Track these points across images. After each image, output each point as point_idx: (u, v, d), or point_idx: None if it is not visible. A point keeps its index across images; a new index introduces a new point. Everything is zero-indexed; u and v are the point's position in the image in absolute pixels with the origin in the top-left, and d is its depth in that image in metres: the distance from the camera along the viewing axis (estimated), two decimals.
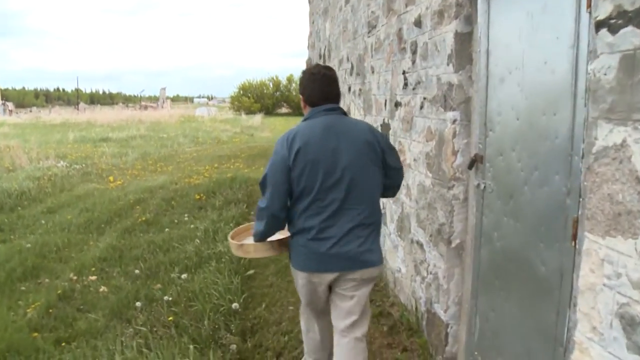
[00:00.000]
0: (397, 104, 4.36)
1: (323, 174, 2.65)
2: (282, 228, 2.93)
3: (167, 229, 6.81)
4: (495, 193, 2.85)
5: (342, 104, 6.96)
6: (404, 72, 4.15)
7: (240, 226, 3.52)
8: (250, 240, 3.03)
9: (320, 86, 2.85)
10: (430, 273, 3.64)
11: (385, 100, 4.74)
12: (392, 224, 4.66)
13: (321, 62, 9.28)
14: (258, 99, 54.87)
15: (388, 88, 4.64)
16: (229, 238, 3.24)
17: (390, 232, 4.72)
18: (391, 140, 4.54)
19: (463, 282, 3.35)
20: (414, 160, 3.95)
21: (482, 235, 3.03)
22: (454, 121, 3.21)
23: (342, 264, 2.72)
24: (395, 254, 4.57)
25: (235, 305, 4.23)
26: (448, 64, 3.24)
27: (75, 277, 5.24)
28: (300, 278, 2.85)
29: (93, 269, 5.48)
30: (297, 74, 57.52)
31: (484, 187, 2.95)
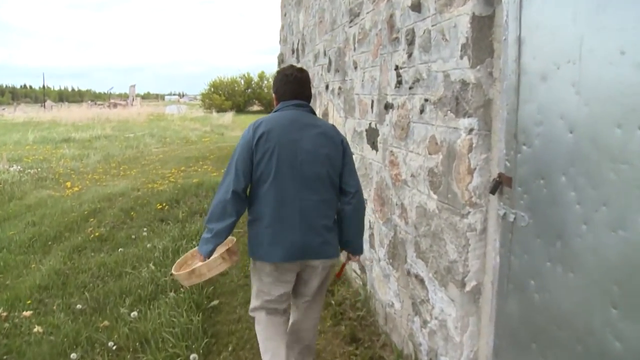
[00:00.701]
0: (388, 106, 3.62)
1: (281, 162, 2.78)
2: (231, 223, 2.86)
3: (121, 248, 5.96)
4: (532, 228, 2.12)
5: (319, 104, 6.23)
6: (397, 68, 3.42)
7: (180, 259, 3.29)
8: (198, 263, 2.93)
9: (292, 87, 3.00)
10: (436, 318, 2.91)
11: (372, 101, 4.00)
12: (381, 248, 3.92)
13: (294, 58, 8.52)
14: (229, 97, 54.04)
15: (376, 86, 3.91)
16: (174, 272, 3.04)
17: (379, 257, 3.98)
18: (381, 149, 3.81)
19: (480, 336, 2.63)
20: (412, 176, 3.21)
21: (509, 281, 2.31)
22: (470, 130, 2.48)
23: (297, 254, 2.85)
24: (386, 284, 3.84)
25: (194, 356, 3.45)
26: (462, 57, 2.51)
27: (4, 314, 4.38)
28: (262, 268, 2.94)
29: (29, 301, 4.63)
30: (269, 71, 56.97)
31: (514, 218, 2.23)
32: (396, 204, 3.53)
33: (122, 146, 18.10)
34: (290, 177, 2.79)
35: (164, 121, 33.95)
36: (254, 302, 3.09)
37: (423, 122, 2.99)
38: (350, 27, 4.61)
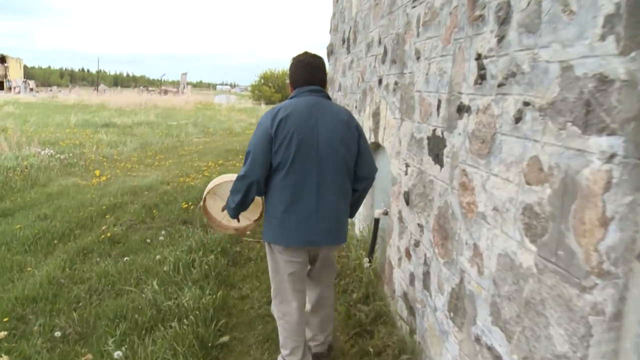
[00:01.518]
0: (462, 109, 2.68)
1: (299, 148, 2.82)
2: (252, 201, 3.03)
3: (130, 255, 5.19)
4: None
5: (369, 101, 5.32)
6: (479, 57, 2.47)
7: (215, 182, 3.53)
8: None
9: (306, 73, 3.04)
10: None
11: (439, 101, 3.06)
12: (439, 295, 2.99)
13: (344, 48, 7.62)
14: (279, 89, 53.62)
15: (445, 82, 2.97)
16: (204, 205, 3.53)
17: (436, 306, 3.05)
18: (447, 165, 2.88)
19: None
20: (494, 209, 2.26)
21: None
22: (610, 157, 1.53)
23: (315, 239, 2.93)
24: (442, 343, 2.91)
25: None
26: (603, 37, 1.56)
27: None
28: (281, 252, 2.99)
29: (6, 319, 3.88)
30: None
31: None
32: (466, 243, 2.59)
33: (162, 134, 17.57)
34: (308, 163, 2.84)
35: (210, 110, 33.58)
36: (274, 287, 3.16)
37: (519, 136, 2.05)
38: (414, 7, 3.67)
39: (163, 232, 6.02)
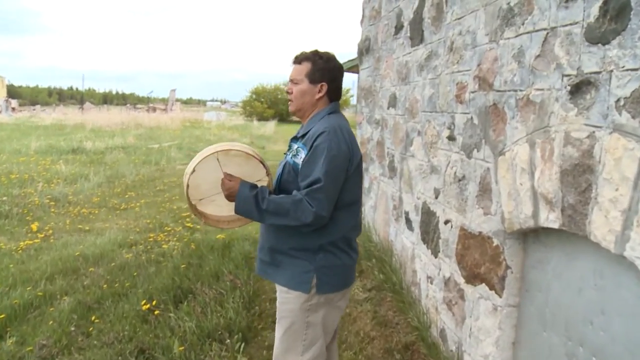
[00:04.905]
0: None
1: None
2: None
3: None
4: None
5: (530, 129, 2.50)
6: None
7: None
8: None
9: (341, 82, 2.56)
10: None
11: None
12: None
13: (400, 38, 4.75)
14: (272, 105, 50.83)
15: None
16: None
17: None
18: None
19: None
20: None
21: None
22: None
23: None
24: None
25: None
26: None
27: None
28: (339, 300, 2.48)
29: None
30: None
31: None
32: None
33: (139, 161, 14.51)
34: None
35: (199, 129, 30.51)
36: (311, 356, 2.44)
37: None
38: None
39: None
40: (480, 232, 2.97)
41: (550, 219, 2.21)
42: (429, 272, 3.92)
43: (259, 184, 2.43)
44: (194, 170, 2.36)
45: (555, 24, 2.20)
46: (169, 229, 7.34)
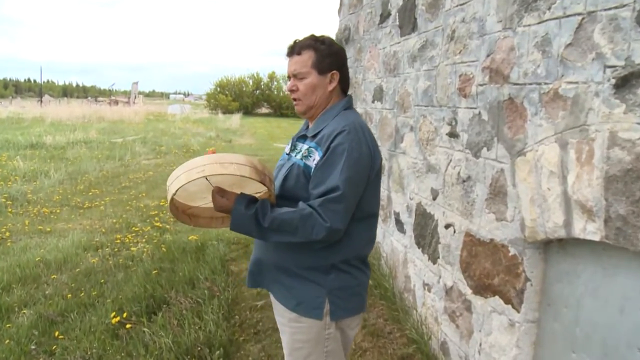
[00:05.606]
0: None
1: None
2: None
3: None
4: None
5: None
6: None
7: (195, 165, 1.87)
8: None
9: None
10: None
11: None
12: None
13: (386, 28, 4.45)
14: (236, 97, 50.23)
15: None
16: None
17: None
18: None
19: None
20: None
21: None
22: None
23: None
24: None
25: None
26: None
27: None
28: (355, 326, 2.18)
29: None
30: (280, 72, 53.20)
31: None
32: None
33: (102, 157, 13.92)
34: None
35: (163, 122, 29.76)
36: None
37: None
38: None
39: None
40: (492, 240, 2.70)
41: (589, 230, 1.95)
42: (425, 279, 3.64)
43: (259, 195, 2.06)
44: (176, 192, 1.93)
45: (594, 7, 1.93)
46: (137, 229, 6.93)
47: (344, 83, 2.15)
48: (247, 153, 17.46)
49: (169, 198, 1.99)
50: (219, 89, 51.88)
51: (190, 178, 1.87)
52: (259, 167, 1.92)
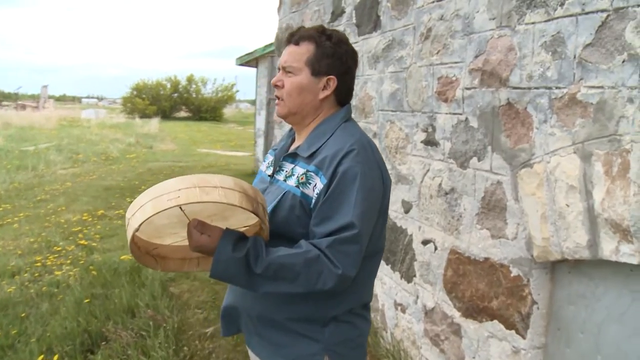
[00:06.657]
0: None
1: None
2: None
3: None
4: None
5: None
6: None
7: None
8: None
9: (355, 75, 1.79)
10: None
11: None
12: None
13: (341, 27, 4.18)
14: (154, 101, 48.64)
15: None
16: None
17: None
18: None
19: None
20: None
21: None
22: None
23: None
24: None
25: None
26: None
27: None
28: None
29: None
30: (197, 75, 51.98)
31: None
32: None
33: (12, 167, 12.86)
34: None
35: (78, 128, 28.22)
36: None
37: None
38: None
39: None
40: (487, 258, 2.46)
41: (624, 251, 1.74)
42: (398, 298, 3.38)
43: (245, 230, 1.61)
44: (138, 228, 1.43)
45: (624, 3, 1.72)
46: (59, 248, 6.27)
47: (342, 94, 1.74)
48: (171, 160, 16.77)
49: (129, 236, 1.50)
50: (135, 93, 50.13)
51: (159, 208, 1.40)
52: (251, 193, 1.47)
